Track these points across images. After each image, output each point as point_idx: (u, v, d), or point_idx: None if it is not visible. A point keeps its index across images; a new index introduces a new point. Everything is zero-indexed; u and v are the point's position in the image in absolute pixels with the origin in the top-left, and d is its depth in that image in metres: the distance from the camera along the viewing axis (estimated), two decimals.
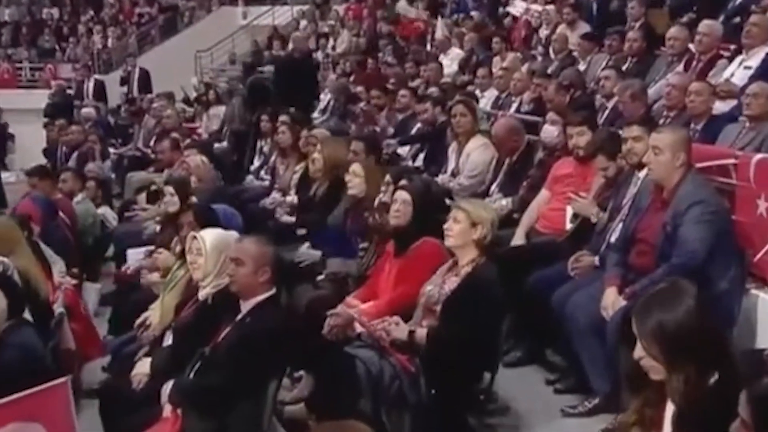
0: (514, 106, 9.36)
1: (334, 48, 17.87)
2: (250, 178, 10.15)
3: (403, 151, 9.11)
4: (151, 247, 7.00)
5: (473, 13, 14.60)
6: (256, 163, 10.40)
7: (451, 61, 12.68)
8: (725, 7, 9.38)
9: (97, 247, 8.82)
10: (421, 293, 4.79)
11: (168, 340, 4.95)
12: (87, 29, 25.73)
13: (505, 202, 6.83)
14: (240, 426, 4.24)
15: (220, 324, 4.49)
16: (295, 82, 12.12)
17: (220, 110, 13.63)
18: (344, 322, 4.80)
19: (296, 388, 5.44)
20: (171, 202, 6.81)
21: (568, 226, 5.98)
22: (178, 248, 6.23)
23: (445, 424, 4.53)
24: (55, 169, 10.40)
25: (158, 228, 7.58)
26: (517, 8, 13.40)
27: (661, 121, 6.80)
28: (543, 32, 12.00)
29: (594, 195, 5.86)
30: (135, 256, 7.35)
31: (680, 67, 7.79)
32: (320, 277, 6.09)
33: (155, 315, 5.41)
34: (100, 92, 17.93)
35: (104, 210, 9.35)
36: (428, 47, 15.04)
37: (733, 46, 7.84)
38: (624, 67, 8.63)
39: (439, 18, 15.33)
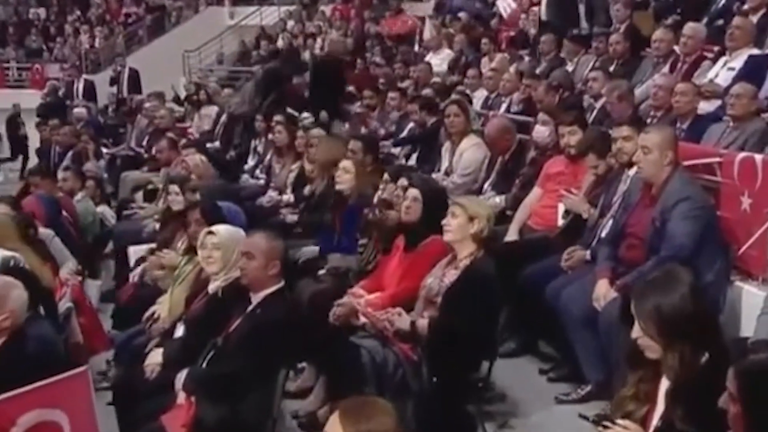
0: (504, 106, 9.54)
1: (322, 48, 18.00)
2: (245, 176, 10.30)
3: (396, 150, 9.29)
4: (153, 245, 7.17)
5: (461, 14, 14.78)
6: (251, 162, 10.56)
7: (441, 62, 12.83)
8: (708, 9, 9.62)
9: (96, 244, 8.98)
10: (422, 286, 4.97)
11: (179, 332, 5.13)
12: (74, 29, 25.80)
13: (499, 200, 6.99)
14: (251, 412, 4.42)
15: (231, 315, 4.67)
16: (329, 83, 12.19)
17: (211, 110, 13.66)
18: (348, 312, 5.01)
19: (299, 378, 5.68)
20: (176, 200, 6.99)
21: (560, 222, 6.16)
22: (181, 245, 6.44)
23: (446, 410, 4.71)
24: (49, 169, 10.54)
25: (158, 226, 7.77)
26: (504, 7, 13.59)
27: (648, 121, 7.01)
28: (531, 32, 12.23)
29: (585, 192, 6.04)
30: (137, 253, 7.50)
31: (666, 69, 7.98)
32: (321, 272, 6.25)
33: (164, 308, 5.59)
34: (90, 92, 17.97)
35: (103, 208, 9.47)
36: (416, 47, 15.22)
37: (716, 48, 8.03)
38: (611, 69, 8.80)
39: (427, 18, 15.50)
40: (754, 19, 8.03)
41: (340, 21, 18.99)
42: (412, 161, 8.87)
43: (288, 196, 8.42)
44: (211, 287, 5.01)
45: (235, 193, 8.35)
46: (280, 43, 19.35)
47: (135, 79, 18.15)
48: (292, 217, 7.54)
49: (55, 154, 13.15)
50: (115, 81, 18.47)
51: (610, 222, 5.55)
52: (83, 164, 11.20)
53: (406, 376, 4.66)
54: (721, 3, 9.48)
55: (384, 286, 5.28)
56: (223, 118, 12.81)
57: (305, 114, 11.26)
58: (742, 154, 5.62)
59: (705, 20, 9.09)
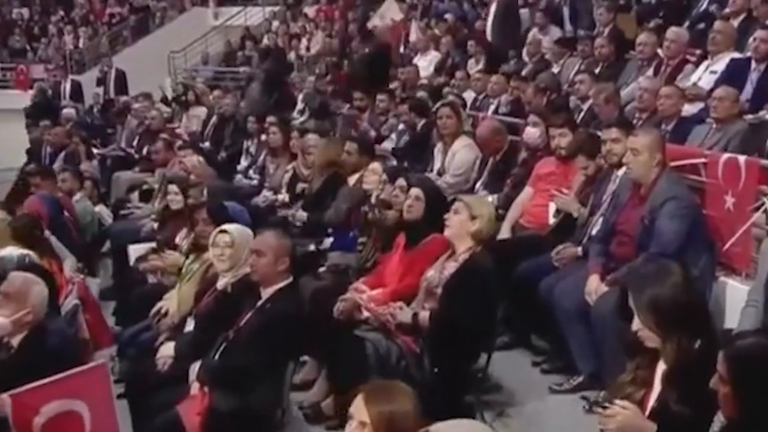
0: (492, 107, 9.72)
1: (308, 49, 18.15)
2: (238, 177, 10.44)
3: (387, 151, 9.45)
4: (153, 244, 7.36)
5: (447, 16, 14.93)
6: (244, 162, 10.71)
7: (428, 63, 12.96)
8: (690, 13, 9.86)
9: (95, 243, 9.15)
10: (423, 279, 5.19)
11: (188, 327, 5.34)
12: (58, 29, 25.72)
13: (491, 200, 7.16)
14: (262, 402, 4.65)
15: (240, 310, 4.87)
16: (376, 73, 12.31)
17: (199, 111, 13.71)
18: (352, 307, 5.23)
19: (302, 371, 5.88)
20: (175, 200, 7.18)
21: (551, 220, 6.35)
22: (185, 243, 6.63)
23: (447, 400, 4.91)
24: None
25: (156, 225, 7.96)
26: None
27: (633, 122, 7.23)
28: None
29: (575, 192, 6.22)
30: (136, 252, 7.67)
31: (650, 72, 8.17)
32: (322, 269, 6.44)
33: (172, 304, 5.79)
34: (78, 93, 18.06)
35: (100, 208, 9.60)
36: (402, 49, 15.37)
37: (698, 51, 8.22)
38: (596, 71, 8.99)
39: (413, 21, 15.65)
40: (735, 23, 8.26)
41: (325, 22, 19.09)
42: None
43: (283, 196, 8.58)
44: (220, 284, 5.22)
45: (237, 193, 8.52)
46: (265, 43, 19.47)
47: (122, 79, 18.18)
48: (300, 215, 7.66)
49: (47, 154, 13.18)
50: (101, 81, 18.47)
51: (600, 220, 5.74)
52: (78, 165, 11.29)
53: (409, 367, 4.86)
54: (702, 7, 9.73)
55: (385, 283, 5.47)
56: (213, 119, 12.88)
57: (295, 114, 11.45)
58: (726, 156, 5.80)
59: (686, 24, 9.30)
